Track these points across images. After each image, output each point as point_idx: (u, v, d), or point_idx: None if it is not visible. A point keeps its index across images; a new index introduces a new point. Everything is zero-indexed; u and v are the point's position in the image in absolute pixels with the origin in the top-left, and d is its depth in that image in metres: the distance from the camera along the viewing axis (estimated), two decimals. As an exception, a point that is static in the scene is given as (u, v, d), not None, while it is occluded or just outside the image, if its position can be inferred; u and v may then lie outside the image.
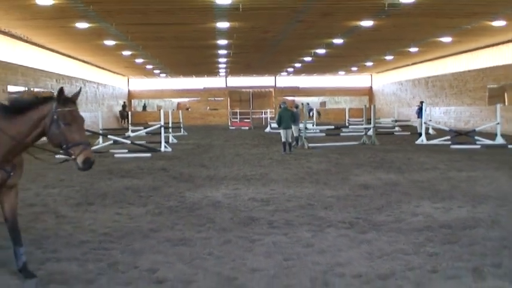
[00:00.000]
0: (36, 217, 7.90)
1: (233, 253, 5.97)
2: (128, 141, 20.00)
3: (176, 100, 54.85)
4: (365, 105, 28.04)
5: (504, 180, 11.15)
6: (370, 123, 22.49)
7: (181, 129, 30.83)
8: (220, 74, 47.61)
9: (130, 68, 40.02)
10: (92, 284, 4.98)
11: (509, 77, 27.43)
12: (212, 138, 27.89)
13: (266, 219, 7.67)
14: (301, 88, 51.36)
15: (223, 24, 20.78)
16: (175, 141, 24.43)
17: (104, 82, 40.62)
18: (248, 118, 42.97)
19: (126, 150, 18.69)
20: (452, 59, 33.71)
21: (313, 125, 29.35)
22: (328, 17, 19.39)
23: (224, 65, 39.76)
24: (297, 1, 16.77)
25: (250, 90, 52.74)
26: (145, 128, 25.24)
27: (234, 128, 39.16)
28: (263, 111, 47.59)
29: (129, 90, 50.57)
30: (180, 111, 37.70)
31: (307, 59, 34.61)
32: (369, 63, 39.46)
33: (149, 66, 39.18)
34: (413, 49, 30.08)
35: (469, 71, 31.97)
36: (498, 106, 21.89)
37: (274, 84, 51.75)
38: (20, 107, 4.97)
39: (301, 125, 20.89)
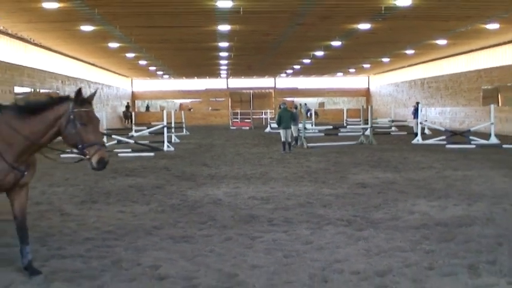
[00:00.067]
0: (41, 215, 7.93)
1: (234, 250, 6.01)
2: (132, 141, 20.12)
3: (178, 101, 55.03)
4: (362, 106, 28.10)
5: (498, 179, 11.22)
6: (368, 123, 22.56)
7: (184, 129, 30.88)
8: (222, 75, 47.70)
9: (134, 69, 40.08)
10: (96, 280, 4.99)
11: (503, 78, 27.59)
12: (213, 138, 27.94)
13: (266, 217, 7.72)
14: (300, 89, 51.42)
15: (224, 27, 20.86)
16: (177, 140, 24.50)
17: (108, 83, 40.64)
18: (249, 118, 42.97)
19: (130, 150, 18.80)
20: (448, 60, 33.82)
21: (312, 125, 29.46)
22: (327, 20, 19.49)
23: (225, 67, 39.82)
24: (296, 5, 16.86)
25: (251, 91, 52.84)
26: (148, 128, 25.36)
27: (235, 128, 39.24)
28: (263, 111, 47.68)
29: (132, 91, 50.63)
30: (183, 112, 37.76)
31: (306, 61, 34.68)
32: (366, 65, 39.53)
33: (152, 68, 39.25)
34: (409, 51, 30.22)
35: (464, 72, 32.08)
36: (492, 107, 22.03)
37: (274, 86, 51.84)
38: (35, 107, 4.99)
39: (300, 125, 21.02)
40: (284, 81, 51.61)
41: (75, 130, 4.84)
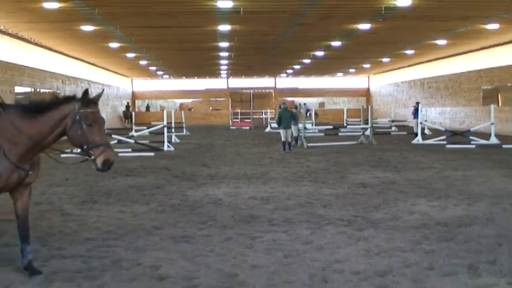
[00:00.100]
0: (41, 215, 7.93)
1: (234, 250, 6.01)
2: (132, 141, 20.15)
3: (179, 101, 55.07)
4: (362, 106, 28.15)
5: (498, 179, 11.23)
6: (368, 123, 22.60)
7: (184, 129, 30.92)
8: (222, 75, 47.75)
9: (134, 69, 40.11)
10: (96, 280, 4.99)
11: (503, 79, 27.63)
12: (214, 137, 27.96)
13: (266, 217, 7.72)
14: (300, 89, 51.45)
15: (224, 27, 20.89)
16: (177, 140, 24.49)
17: (109, 83, 40.68)
18: (249, 118, 43.02)
19: (130, 150, 18.81)
20: (448, 61, 33.86)
21: (312, 125, 29.48)
22: (327, 20, 19.51)
23: (225, 67, 39.87)
24: (297, 5, 16.88)
25: (251, 91, 52.86)
26: (148, 128, 25.38)
27: (235, 128, 39.27)
28: (263, 111, 47.73)
29: (133, 91, 50.69)
30: (183, 112, 37.77)
31: (307, 61, 34.71)
32: (366, 65, 39.56)
33: (153, 68, 39.28)
34: (409, 51, 30.26)
35: (464, 72, 32.12)
36: (492, 107, 22.06)
37: (274, 86, 51.86)
38: (40, 106, 4.97)
39: (300, 125, 21.03)
40: (284, 81, 51.66)
41: (81, 131, 4.83)
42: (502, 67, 27.53)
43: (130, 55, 30.09)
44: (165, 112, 21.73)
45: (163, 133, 20.79)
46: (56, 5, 15.73)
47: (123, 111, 44.63)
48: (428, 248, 5.97)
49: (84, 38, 22.68)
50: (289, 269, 5.33)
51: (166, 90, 51.14)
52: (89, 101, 4.94)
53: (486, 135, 21.51)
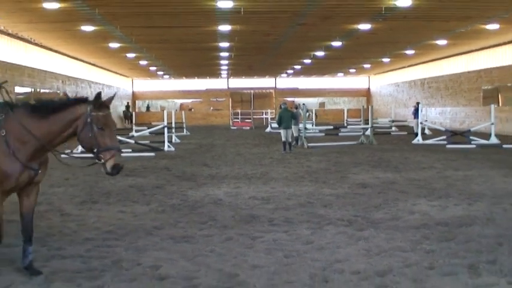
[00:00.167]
0: (41, 215, 7.89)
1: (234, 250, 6.01)
2: (132, 141, 20.15)
3: (179, 101, 55.09)
4: (363, 106, 28.13)
5: (499, 179, 11.24)
6: (368, 123, 22.60)
7: (184, 129, 30.93)
8: (222, 75, 47.77)
9: (135, 69, 40.14)
10: (96, 280, 4.99)
11: (503, 79, 27.65)
12: (214, 138, 27.98)
13: (266, 217, 7.72)
14: (300, 89, 51.49)
15: (225, 27, 20.90)
16: (178, 140, 24.49)
17: (109, 83, 40.75)
18: (249, 118, 43.05)
19: (130, 150, 18.81)
20: (448, 61, 33.87)
21: (312, 125, 29.49)
22: (327, 20, 19.52)
23: (226, 67, 39.88)
24: (297, 5, 16.89)
25: (252, 91, 52.90)
26: (149, 128, 25.40)
27: (235, 128, 39.29)
28: (264, 111, 47.71)
29: (133, 91, 50.73)
30: (183, 112, 37.75)
31: (307, 61, 34.72)
32: (367, 65, 39.58)
33: (153, 68, 39.30)
34: (409, 51, 30.27)
35: (464, 72, 32.14)
36: (492, 107, 22.06)
37: (274, 86, 51.90)
38: (51, 107, 4.94)
39: (300, 125, 21.04)
40: (285, 81, 51.69)
41: (92, 133, 4.80)
42: (502, 67, 27.57)
43: (131, 55, 30.11)
44: (165, 112, 21.75)
45: (163, 133, 20.81)
46: (56, 5, 15.74)
47: (123, 112, 44.65)
48: (428, 247, 5.97)
49: (84, 38, 22.70)
50: (289, 269, 5.33)
51: (167, 90, 51.19)
52: (101, 104, 4.90)
53: (486, 135, 21.52)
